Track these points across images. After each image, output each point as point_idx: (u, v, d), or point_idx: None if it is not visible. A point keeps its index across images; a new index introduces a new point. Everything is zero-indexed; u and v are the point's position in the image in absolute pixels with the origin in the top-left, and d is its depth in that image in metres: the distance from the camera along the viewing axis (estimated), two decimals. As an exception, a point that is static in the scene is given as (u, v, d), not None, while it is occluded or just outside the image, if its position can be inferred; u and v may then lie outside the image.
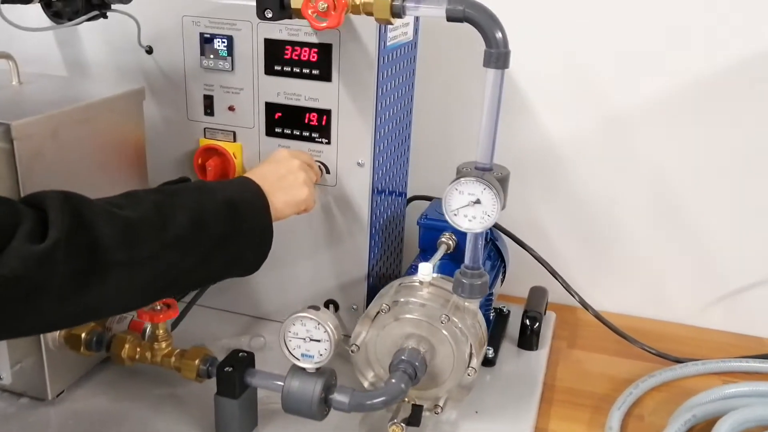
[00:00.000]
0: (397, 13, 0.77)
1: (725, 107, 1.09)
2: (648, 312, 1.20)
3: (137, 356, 0.86)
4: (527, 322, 1.05)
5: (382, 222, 1.04)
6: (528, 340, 1.05)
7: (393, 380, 0.80)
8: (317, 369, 0.78)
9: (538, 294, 1.12)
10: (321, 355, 0.77)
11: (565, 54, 1.11)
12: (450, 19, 0.76)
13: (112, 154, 0.89)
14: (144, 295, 0.71)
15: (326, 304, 1.04)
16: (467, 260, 0.83)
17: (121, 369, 0.91)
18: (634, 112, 1.13)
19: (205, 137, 1.00)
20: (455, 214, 0.78)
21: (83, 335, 0.86)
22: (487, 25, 0.74)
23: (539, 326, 1.05)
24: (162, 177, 1.00)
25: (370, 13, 0.78)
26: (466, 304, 0.85)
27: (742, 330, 1.17)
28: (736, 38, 1.06)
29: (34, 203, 0.64)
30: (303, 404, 0.77)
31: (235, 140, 0.99)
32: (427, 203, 1.20)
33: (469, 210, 0.77)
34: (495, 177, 0.78)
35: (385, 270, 1.09)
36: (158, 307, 0.83)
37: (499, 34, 0.74)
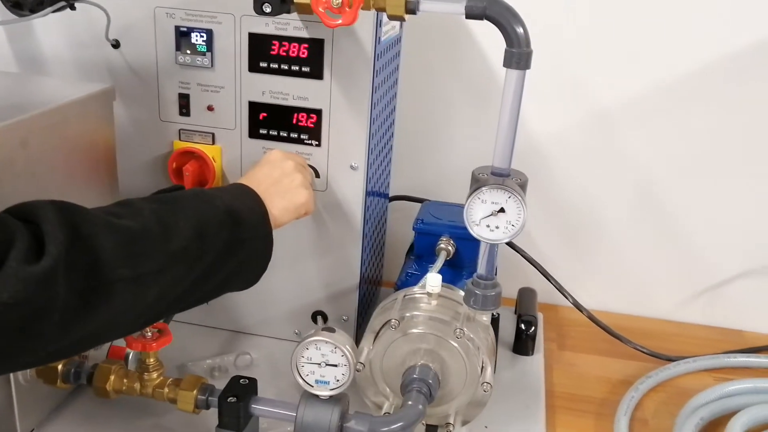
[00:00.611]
0: (412, 9, 0.71)
1: (705, 105, 1.09)
2: (630, 309, 1.20)
3: (124, 388, 0.77)
4: (522, 326, 1.02)
5: (370, 227, 0.98)
6: (524, 345, 1.02)
7: (410, 402, 0.75)
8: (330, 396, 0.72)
9: (528, 296, 1.09)
10: (338, 380, 0.71)
11: (549, 53, 1.08)
12: (469, 16, 0.71)
13: (83, 159, 0.80)
14: (150, 313, 0.64)
15: (314, 316, 0.97)
16: (481, 270, 0.78)
17: (95, 399, 0.82)
18: (616, 111, 1.12)
19: (179, 139, 0.91)
20: (477, 225, 0.73)
21: (60, 367, 0.77)
22: (509, 23, 0.69)
23: (535, 330, 1.02)
24: (133, 183, 0.91)
25: (381, 9, 0.72)
26: (477, 315, 0.81)
27: (722, 324, 1.18)
28: (716, 36, 1.05)
29: (24, 216, 0.55)
30: (319, 435, 0.71)
31: (214, 142, 0.91)
32: (406, 204, 1.16)
33: (492, 220, 0.73)
34: (516, 183, 0.74)
35: (370, 275, 1.04)
36: (149, 334, 0.75)
37: (521, 33, 0.69)
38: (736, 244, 1.15)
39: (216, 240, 0.67)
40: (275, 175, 0.80)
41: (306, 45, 0.84)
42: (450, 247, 0.93)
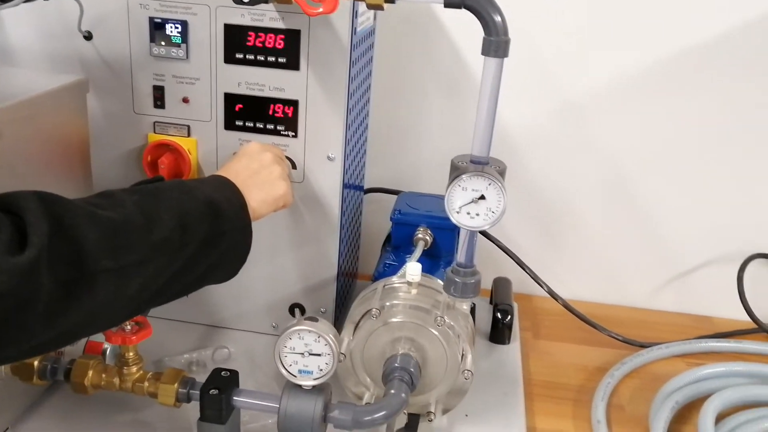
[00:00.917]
0: (392, -3, 0.72)
1: (675, 93, 1.11)
2: (602, 298, 1.21)
3: (103, 383, 0.76)
4: (499, 315, 1.03)
5: (347, 218, 0.98)
6: (500, 334, 1.03)
7: (392, 391, 0.75)
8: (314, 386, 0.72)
9: (503, 285, 1.10)
10: (321, 370, 0.71)
11: (518, 44, 1.09)
12: (448, 5, 0.71)
13: (56, 152, 0.79)
14: (132, 305, 0.63)
15: (291, 309, 0.97)
16: (461, 258, 0.79)
17: (71, 395, 0.80)
18: (585, 101, 1.13)
19: (154, 132, 0.90)
20: (458, 212, 0.73)
21: (36, 363, 0.75)
22: (487, 12, 0.70)
23: (511, 319, 1.03)
24: (108, 176, 0.90)
25: (360, -2, 0.72)
26: (457, 303, 0.82)
27: (693, 311, 1.20)
28: (686, 23, 1.07)
29: (5, 206, 0.55)
30: (303, 425, 0.70)
31: (189, 135, 0.90)
32: (379, 196, 1.16)
33: (472, 207, 0.73)
34: (495, 170, 0.74)
35: (347, 268, 1.04)
36: (128, 327, 0.74)
37: (499, 21, 0.70)
38: (704, 232, 1.17)
39: (197, 231, 0.67)
40: (253, 167, 0.80)
41: (282, 36, 0.84)
42: (428, 237, 0.93)
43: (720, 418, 0.88)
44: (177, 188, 0.69)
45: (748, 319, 1.11)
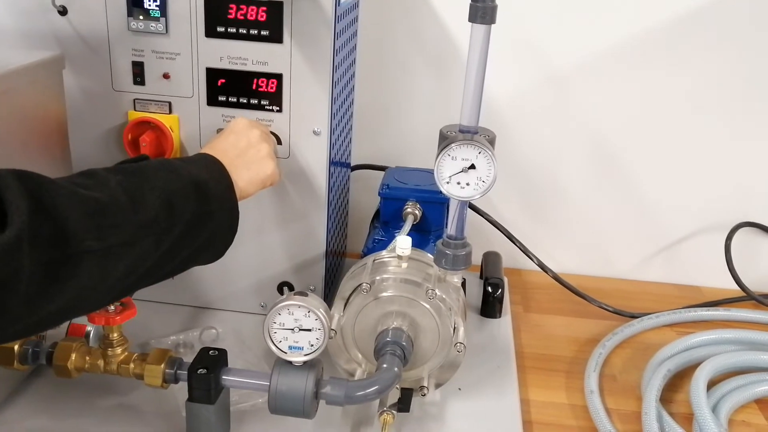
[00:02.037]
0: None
1: (661, 64, 1.10)
2: (591, 270, 1.21)
3: (87, 366, 0.74)
4: (489, 289, 1.02)
5: (334, 194, 0.96)
6: (491, 307, 1.02)
7: (384, 365, 0.74)
8: (304, 362, 0.70)
9: (493, 259, 1.09)
10: (312, 345, 0.69)
11: (502, 14, 1.08)
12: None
13: (33, 131, 0.76)
14: (118, 288, 0.61)
15: (280, 287, 0.96)
16: (451, 230, 0.78)
17: (54, 380, 0.78)
18: (571, 71, 1.12)
19: (135, 109, 0.88)
20: (448, 182, 0.72)
21: (16, 347, 0.73)
22: (473, -25, 0.69)
23: (502, 293, 1.02)
24: (87, 155, 0.87)
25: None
26: (448, 276, 0.81)
27: (681, 281, 1.20)
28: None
29: None
30: (294, 403, 0.69)
31: (171, 112, 0.88)
32: (366, 174, 1.15)
33: (462, 177, 0.72)
34: (485, 139, 0.73)
35: (335, 246, 1.02)
36: (111, 307, 0.72)
37: (486, -14, 0.68)
38: (691, 202, 1.17)
39: (183, 212, 0.65)
40: (241, 146, 0.78)
41: (264, 8, 0.82)
42: (417, 211, 0.92)
43: (711, 384, 0.88)
44: (162, 167, 0.67)
45: (737, 287, 1.11)
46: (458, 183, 0.72)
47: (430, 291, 0.77)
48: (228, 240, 0.73)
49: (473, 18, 0.69)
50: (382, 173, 1.03)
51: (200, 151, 0.76)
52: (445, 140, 0.73)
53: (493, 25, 0.70)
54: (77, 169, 0.82)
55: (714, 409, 0.84)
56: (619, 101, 1.13)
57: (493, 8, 0.69)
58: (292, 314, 0.69)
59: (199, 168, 0.70)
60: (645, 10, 1.07)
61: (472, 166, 0.71)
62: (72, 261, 0.55)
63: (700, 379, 0.85)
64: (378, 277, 0.80)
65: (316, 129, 0.87)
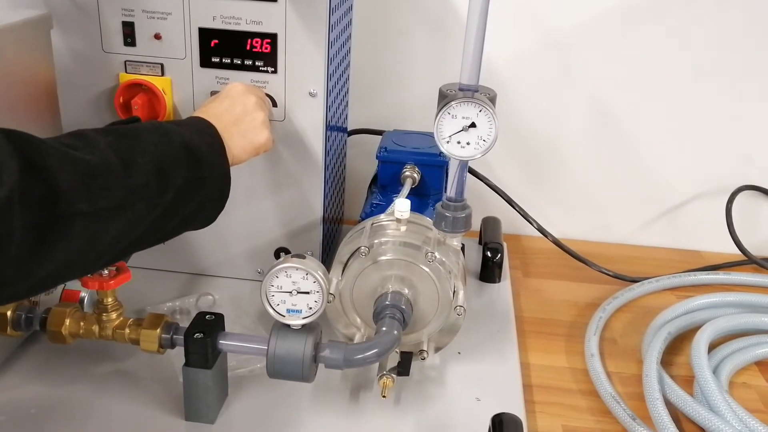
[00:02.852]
0: None
1: (660, 28, 1.09)
2: (590, 235, 1.20)
3: (81, 331, 0.72)
4: (488, 254, 1.01)
5: (331, 158, 0.95)
6: (491, 272, 1.01)
7: (384, 328, 0.73)
8: (303, 326, 0.69)
9: (492, 224, 1.08)
10: (311, 308, 0.68)
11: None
12: None
13: (20, 93, 0.74)
14: (109, 253, 0.60)
15: (277, 253, 0.94)
16: (451, 192, 0.77)
17: (49, 347, 0.77)
18: (570, 36, 1.10)
19: (126, 72, 0.85)
20: (447, 142, 0.70)
21: (9, 313, 0.72)
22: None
23: (501, 258, 1.01)
24: (77, 119, 0.85)
25: None
26: (447, 240, 0.79)
27: (681, 245, 1.19)
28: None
29: None
30: (293, 366, 0.68)
31: (163, 74, 0.85)
32: (363, 139, 1.13)
33: (463, 136, 0.70)
34: (486, 97, 0.71)
35: (331, 212, 1.01)
36: (105, 272, 0.71)
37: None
38: (691, 166, 1.16)
39: (175, 177, 0.63)
40: (236, 112, 0.76)
41: (257, -36, 0.79)
42: (415, 175, 0.91)
43: (712, 347, 0.88)
44: (154, 131, 0.65)
45: (737, 251, 1.10)
46: (458, 142, 0.70)
47: (429, 254, 0.76)
48: (219, 207, 0.71)
49: (473, -29, 0.67)
50: (378, 139, 1.01)
51: (194, 114, 0.74)
52: (444, 98, 0.71)
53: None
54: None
55: (715, 371, 0.84)
56: (619, 66, 1.11)
57: (494, -39, 0.67)
58: (290, 277, 0.68)
59: (192, 132, 0.68)
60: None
61: (473, 125, 0.70)
62: (62, 223, 0.53)
63: (701, 341, 0.85)
64: (376, 241, 0.78)
65: (312, 90, 0.85)
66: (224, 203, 0.72)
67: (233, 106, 0.76)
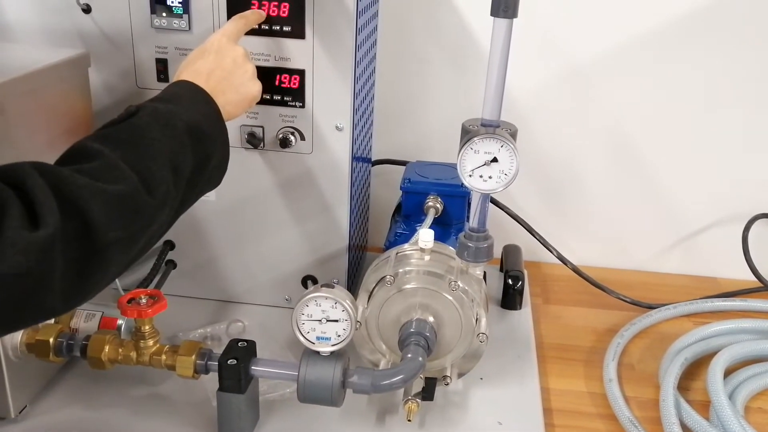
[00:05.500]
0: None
1: (681, 55, 1.10)
2: (608, 262, 1.22)
3: (120, 357, 0.75)
4: (510, 281, 1.03)
5: (356, 189, 0.98)
6: (512, 299, 1.03)
7: (409, 355, 0.75)
8: (331, 353, 0.72)
9: (513, 252, 1.11)
10: (339, 336, 0.71)
11: (524, 8, 1.09)
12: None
13: (60, 127, 0.78)
14: (135, 258, 0.63)
15: (304, 281, 0.97)
16: (473, 222, 0.79)
17: (87, 372, 0.80)
18: (590, 65, 1.13)
19: (159, 106, 0.89)
20: (470, 176, 0.73)
21: (51, 340, 0.75)
22: (495, -30, 0.70)
23: (522, 285, 1.03)
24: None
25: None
26: (470, 269, 0.82)
27: (698, 272, 1.21)
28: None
29: (8, 180, 0.52)
30: (323, 392, 0.71)
31: (195, 108, 0.89)
32: (386, 168, 1.16)
33: (485, 170, 0.73)
34: (507, 132, 0.74)
35: (357, 240, 1.04)
36: (143, 300, 0.74)
37: (508, -19, 0.69)
38: (708, 194, 1.18)
39: (185, 167, 0.65)
40: (226, 67, 0.74)
41: (286, 4, 0.83)
42: (438, 205, 0.94)
43: (728, 373, 0.89)
44: (153, 122, 0.64)
45: (754, 278, 1.11)
46: (481, 176, 0.73)
47: (452, 282, 0.79)
48: (224, 169, 0.73)
49: (495, 12, 0.70)
50: (400, 168, 1.04)
51: (180, 73, 0.73)
52: (467, 134, 0.74)
53: (515, 18, 0.71)
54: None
55: (731, 397, 0.85)
56: (638, 93, 1.13)
57: (515, 2, 0.70)
58: (320, 305, 0.71)
59: (187, 108, 0.68)
60: (666, 1, 1.07)
61: (495, 160, 0.72)
62: (100, 254, 0.56)
63: (717, 366, 0.86)
64: (401, 270, 0.81)
65: (338, 124, 0.88)
66: (226, 167, 0.73)
67: (222, 60, 0.74)
